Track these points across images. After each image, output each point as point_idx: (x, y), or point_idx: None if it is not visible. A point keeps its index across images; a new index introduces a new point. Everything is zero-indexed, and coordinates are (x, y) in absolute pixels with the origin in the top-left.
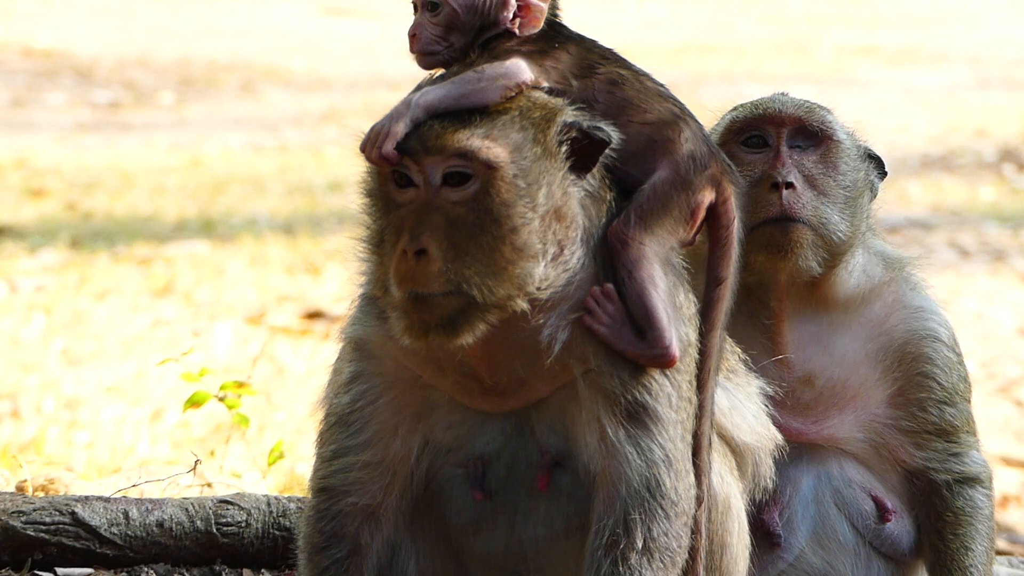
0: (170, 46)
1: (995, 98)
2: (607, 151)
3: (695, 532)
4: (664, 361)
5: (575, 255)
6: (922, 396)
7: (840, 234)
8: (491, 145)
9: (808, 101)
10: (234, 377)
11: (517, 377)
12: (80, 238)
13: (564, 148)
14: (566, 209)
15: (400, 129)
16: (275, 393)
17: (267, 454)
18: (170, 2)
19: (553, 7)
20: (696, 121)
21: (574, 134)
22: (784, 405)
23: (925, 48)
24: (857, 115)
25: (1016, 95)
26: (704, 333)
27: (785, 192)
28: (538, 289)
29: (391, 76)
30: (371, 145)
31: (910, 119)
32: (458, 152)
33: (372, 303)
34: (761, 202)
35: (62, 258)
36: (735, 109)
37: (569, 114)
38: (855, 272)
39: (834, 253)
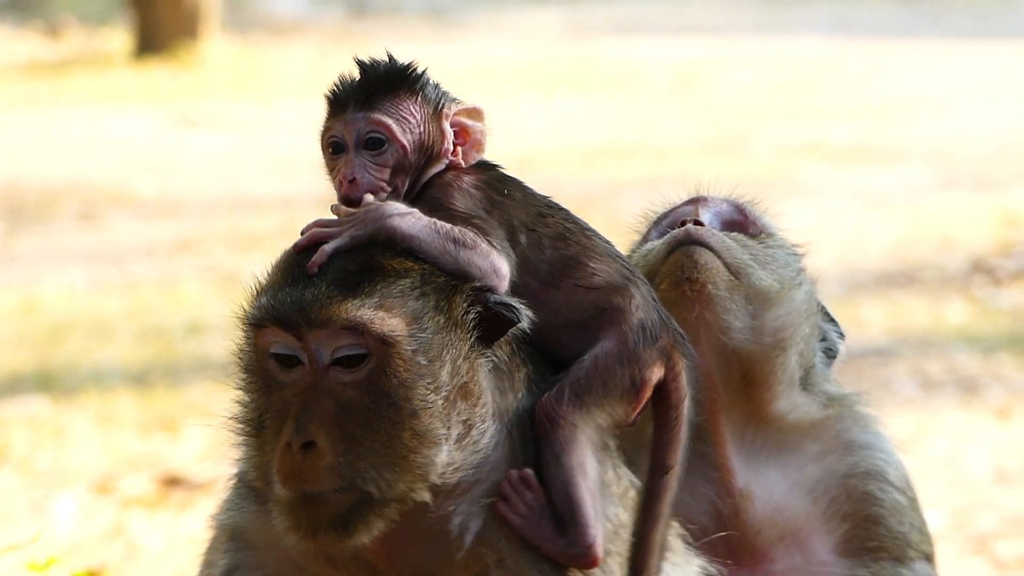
0: None
1: (963, 201)
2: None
3: None
4: (585, 561)
5: (486, 434)
6: (872, 545)
7: (762, 280)
8: (385, 316)
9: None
10: (81, 558)
11: (421, 570)
12: None
13: (472, 316)
14: (473, 385)
15: (346, 242)
16: (128, 574)
17: None
18: None
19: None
20: (646, 284)
21: (480, 309)
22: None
23: (880, 144)
24: (802, 225)
25: (987, 197)
26: (645, 531)
27: (691, 226)
28: (442, 475)
29: (256, 196)
30: (307, 238)
31: (864, 228)
32: (348, 325)
33: (250, 485)
34: (668, 239)
35: None
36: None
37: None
38: (799, 406)
39: (758, 309)
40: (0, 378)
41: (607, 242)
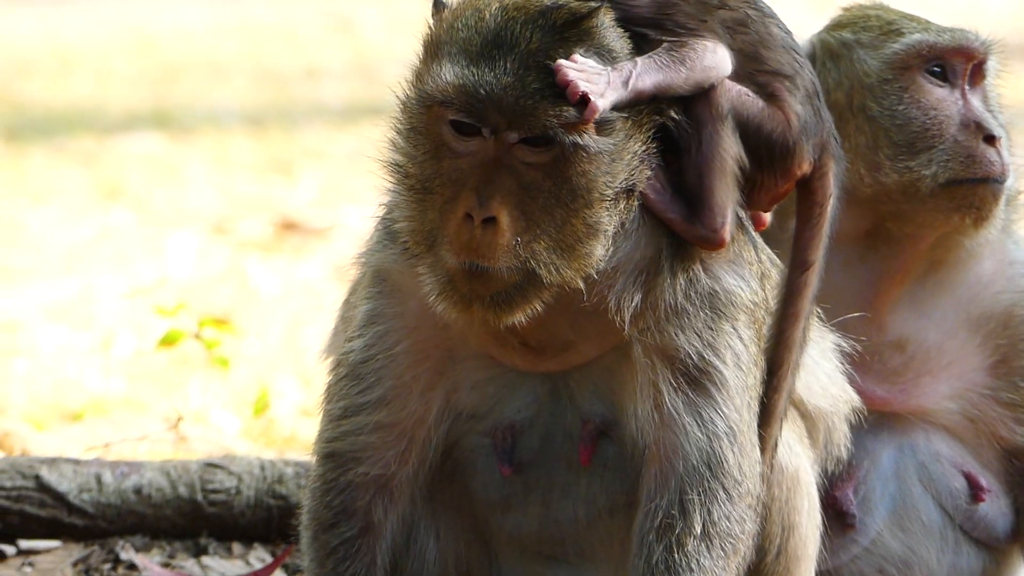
0: None
1: None
2: None
3: (766, 517)
4: (713, 242)
5: (634, 221)
6: None
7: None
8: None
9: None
10: (200, 301)
11: (562, 339)
12: (13, 130)
13: (654, 127)
14: (637, 186)
15: (607, 102)
16: (245, 318)
17: (239, 391)
18: None
19: None
20: (813, 78)
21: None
22: (869, 368)
23: None
24: None
25: None
26: (785, 327)
27: (1001, 150)
28: (596, 265)
29: None
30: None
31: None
32: (542, 131)
33: (398, 237)
34: (976, 156)
35: None
36: (924, 30)
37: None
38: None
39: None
40: (116, 115)
41: (786, 31)
